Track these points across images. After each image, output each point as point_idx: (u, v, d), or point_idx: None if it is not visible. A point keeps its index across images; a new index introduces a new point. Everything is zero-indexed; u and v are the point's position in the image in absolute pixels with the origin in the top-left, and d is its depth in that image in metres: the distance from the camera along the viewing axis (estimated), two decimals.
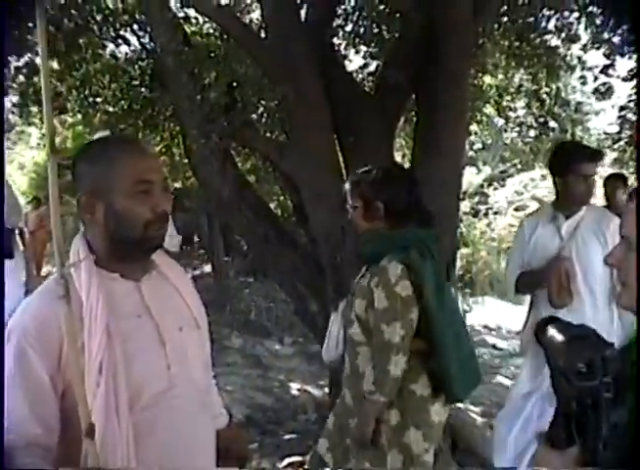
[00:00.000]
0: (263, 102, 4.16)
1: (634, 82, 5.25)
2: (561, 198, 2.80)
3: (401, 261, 2.00)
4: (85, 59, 6.92)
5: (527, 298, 3.03)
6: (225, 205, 3.66)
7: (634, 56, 4.98)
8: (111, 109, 7.55)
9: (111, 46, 7.54)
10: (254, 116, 4.39)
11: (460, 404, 3.98)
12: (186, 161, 8.74)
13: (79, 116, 7.83)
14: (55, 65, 6.93)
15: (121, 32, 7.00)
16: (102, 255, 1.26)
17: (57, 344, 1.14)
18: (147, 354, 1.22)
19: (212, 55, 4.58)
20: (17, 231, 6.69)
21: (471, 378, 2.17)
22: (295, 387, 4.60)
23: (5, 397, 1.17)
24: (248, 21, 5.63)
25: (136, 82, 7.29)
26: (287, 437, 3.60)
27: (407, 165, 6.01)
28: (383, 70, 4.01)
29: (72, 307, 1.15)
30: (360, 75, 5.05)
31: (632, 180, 5.15)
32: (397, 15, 4.12)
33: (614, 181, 4.53)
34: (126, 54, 7.39)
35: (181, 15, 5.62)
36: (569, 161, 2.70)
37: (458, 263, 6.82)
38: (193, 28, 5.82)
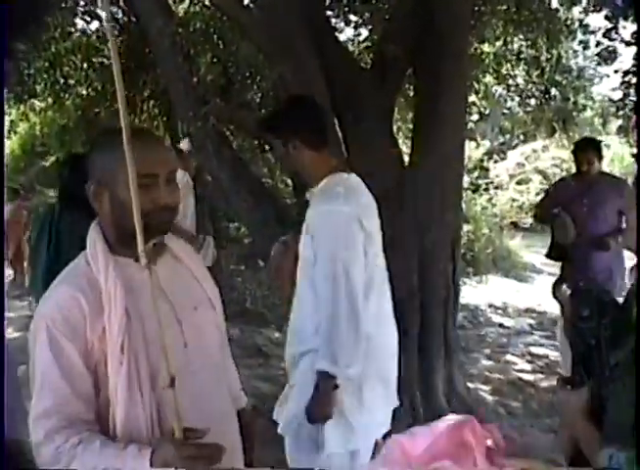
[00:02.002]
0: (259, 82, 4.34)
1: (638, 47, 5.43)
2: None
3: None
4: (54, 38, 6.95)
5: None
6: (223, 189, 3.86)
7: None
8: (84, 91, 7.68)
9: (81, 23, 7.54)
10: (250, 96, 4.57)
11: (470, 384, 4.29)
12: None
13: (50, 100, 7.84)
14: (21, 45, 6.99)
15: (92, 8, 7.04)
16: (113, 241, 1.43)
17: (82, 328, 1.33)
18: (164, 334, 1.37)
19: (205, 34, 4.72)
20: None
21: None
22: None
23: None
24: None
25: (110, 61, 7.35)
26: None
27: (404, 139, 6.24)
28: (379, 44, 4.21)
29: (94, 293, 1.35)
30: (356, 49, 5.23)
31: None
32: None
33: (584, 146, 4.23)
34: (97, 30, 7.42)
35: None
36: None
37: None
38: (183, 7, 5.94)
